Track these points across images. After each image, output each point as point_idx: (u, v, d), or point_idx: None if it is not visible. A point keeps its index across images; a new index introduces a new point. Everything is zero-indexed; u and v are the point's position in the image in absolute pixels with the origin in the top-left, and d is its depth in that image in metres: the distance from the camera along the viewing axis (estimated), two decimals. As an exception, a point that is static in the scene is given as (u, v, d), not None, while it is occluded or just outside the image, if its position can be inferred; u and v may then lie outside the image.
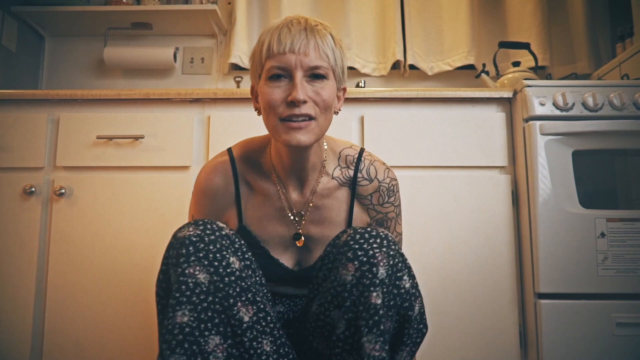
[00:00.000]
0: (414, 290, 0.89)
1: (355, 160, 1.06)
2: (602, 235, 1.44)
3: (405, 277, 0.87)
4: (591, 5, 2.17)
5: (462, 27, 2.17)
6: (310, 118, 0.91)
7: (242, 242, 0.93)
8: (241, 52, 2.18)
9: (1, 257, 1.55)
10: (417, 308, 0.89)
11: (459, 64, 2.16)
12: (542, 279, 1.43)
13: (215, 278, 0.82)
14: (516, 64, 1.96)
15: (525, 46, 2.02)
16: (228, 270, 0.84)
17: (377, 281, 0.82)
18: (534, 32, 2.14)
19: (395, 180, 1.08)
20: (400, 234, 1.11)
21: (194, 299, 0.80)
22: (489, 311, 1.50)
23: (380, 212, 1.07)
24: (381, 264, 0.83)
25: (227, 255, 0.85)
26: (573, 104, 1.50)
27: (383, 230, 0.90)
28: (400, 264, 0.87)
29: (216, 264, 0.83)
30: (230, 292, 0.83)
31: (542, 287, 1.43)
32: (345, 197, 1.05)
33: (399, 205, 1.10)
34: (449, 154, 1.57)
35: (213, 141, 1.59)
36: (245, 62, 2.17)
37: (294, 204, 1.04)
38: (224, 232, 0.88)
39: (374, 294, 0.81)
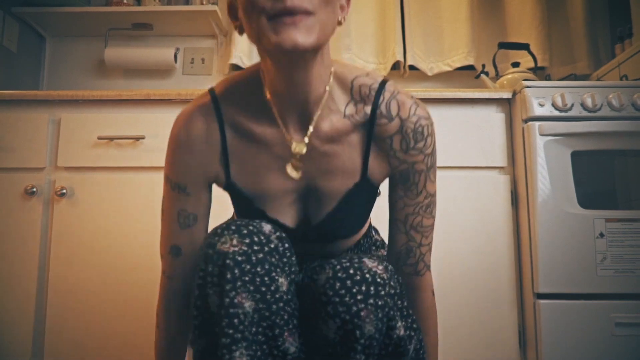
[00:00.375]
0: (408, 332, 0.76)
1: (373, 92, 0.81)
2: (601, 235, 1.44)
3: (398, 325, 0.74)
4: (591, 6, 2.17)
5: (461, 28, 2.18)
6: (307, 12, 0.67)
7: (287, 246, 0.78)
8: (242, 52, 2.19)
9: (2, 257, 1.56)
10: (411, 348, 0.77)
11: (459, 65, 2.17)
12: (541, 279, 1.44)
13: (260, 305, 0.70)
14: (515, 64, 1.97)
15: (525, 47, 2.02)
16: (276, 296, 0.72)
17: (361, 343, 0.70)
18: (533, 33, 2.15)
19: (427, 119, 0.84)
20: (433, 196, 0.86)
21: (246, 333, 0.69)
22: (488, 311, 1.51)
23: (404, 162, 0.83)
24: (367, 320, 0.69)
25: (276, 277, 0.72)
26: (572, 105, 1.50)
27: (370, 266, 0.73)
28: (392, 311, 0.73)
29: (263, 289, 0.71)
30: (277, 321, 0.72)
31: (541, 287, 1.44)
32: (358, 140, 0.83)
33: (432, 154, 0.85)
34: (448, 155, 1.58)
35: (213, 142, 1.59)
36: (245, 63, 2.17)
37: (295, 148, 0.82)
38: (272, 245, 0.74)
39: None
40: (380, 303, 0.70)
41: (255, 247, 0.72)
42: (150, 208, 1.57)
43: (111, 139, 1.59)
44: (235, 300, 0.69)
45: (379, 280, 0.71)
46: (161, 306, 0.89)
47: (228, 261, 0.70)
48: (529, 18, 2.17)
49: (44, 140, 1.61)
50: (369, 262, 0.74)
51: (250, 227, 0.74)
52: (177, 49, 2.22)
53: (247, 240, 0.72)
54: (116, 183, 1.59)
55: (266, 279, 0.71)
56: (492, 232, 1.54)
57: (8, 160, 1.60)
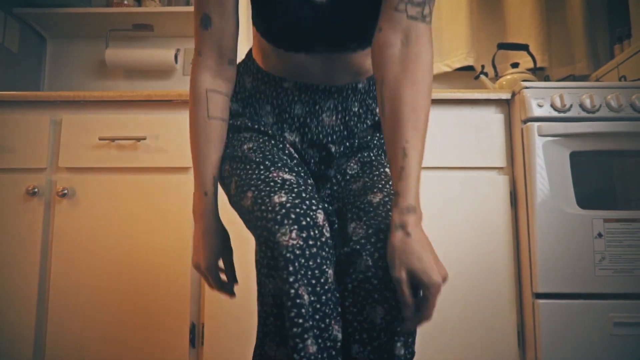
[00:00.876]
0: None
1: None
2: (600, 235, 1.45)
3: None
4: (590, 6, 2.18)
5: (461, 29, 2.18)
6: None
7: (332, 234, 0.80)
8: (242, 53, 2.19)
9: (4, 257, 1.57)
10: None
11: (458, 65, 2.17)
12: (540, 279, 1.44)
13: (312, 298, 0.73)
14: (515, 65, 1.97)
15: (524, 47, 2.03)
16: (326, 287, 0.75)
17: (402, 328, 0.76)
18: (532, 34, 2.15)
19: None
20: None
21: (311, 322, 0.72)
22: (488, 311, 1.52)
23: None
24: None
25: (326, 269, 0.75)
26: (571, 106, 1.51)
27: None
28: None
29: (314, 282, 0.74)
30: (327, 311, 0.74)
31: (540, 287, 1.44)
32: None
33: None
34: (447, 155, 1.59)
35: (214, 142, 1.60)
36: (245, 64, 2.18)
37: None
38: (323, 239, 0.76)
39: (399, 344, 0.76)
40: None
41: (310, 242, 0.74)
42: (151, 209, 1.58)
43: (112, 139, 1.60)
44: (299, 292, 0.72)
45: None
46: (193, 85, 0.89)
47: (288, 254, 0.72)
48: (528, 19, 2.17)
49: (45, 141, 1.61)
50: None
51: (308, 219, 0.76)
52: (178, 50, 2.23)
53: (304, 235, 0.74)
54: (117, 184, 1.59)
55: (317, 272, 0.74)
56: (491, 232, 1.55)
57: (9, 161, 1.60)
